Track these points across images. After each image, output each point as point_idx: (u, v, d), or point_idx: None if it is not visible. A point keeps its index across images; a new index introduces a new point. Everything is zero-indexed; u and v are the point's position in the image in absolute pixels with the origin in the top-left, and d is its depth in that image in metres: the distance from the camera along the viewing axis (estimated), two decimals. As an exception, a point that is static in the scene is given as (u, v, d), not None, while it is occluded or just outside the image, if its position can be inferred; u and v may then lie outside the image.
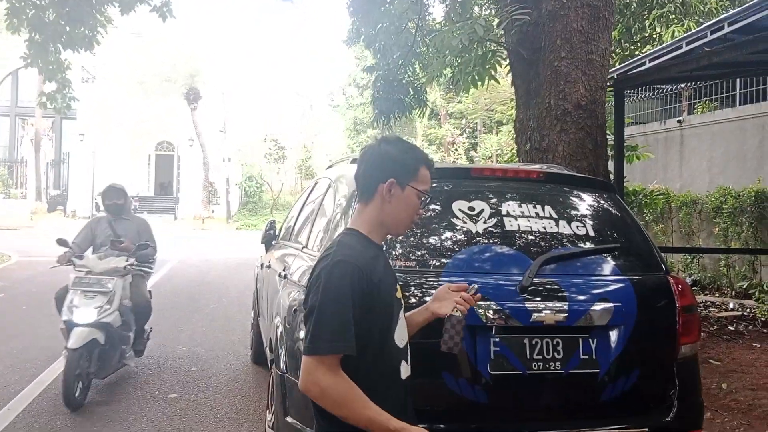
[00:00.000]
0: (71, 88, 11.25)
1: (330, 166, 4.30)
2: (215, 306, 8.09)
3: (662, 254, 2.81)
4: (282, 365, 2.72)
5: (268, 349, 3.48)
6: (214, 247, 17.57)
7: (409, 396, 1.66)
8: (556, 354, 2.34)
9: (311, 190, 4.07)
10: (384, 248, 1.71)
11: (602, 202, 2.89)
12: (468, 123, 29.44)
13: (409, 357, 1.68)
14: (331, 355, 1.45)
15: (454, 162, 25.27)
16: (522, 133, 5.65)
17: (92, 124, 28.61)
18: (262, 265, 4.82)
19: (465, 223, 2.53)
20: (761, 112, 8.72)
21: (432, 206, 2.60)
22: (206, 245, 18.26)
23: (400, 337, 1.64)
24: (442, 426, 2.24)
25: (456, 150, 28.83)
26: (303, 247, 3.29)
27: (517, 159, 6.21)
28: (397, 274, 2.32)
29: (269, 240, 4.76)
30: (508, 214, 2.60)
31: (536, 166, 3.23)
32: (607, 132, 6.02)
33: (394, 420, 1.45)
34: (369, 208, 1.65)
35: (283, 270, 3.37)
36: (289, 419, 2.49)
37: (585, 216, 2.76)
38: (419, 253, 2.47)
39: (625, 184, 7.48)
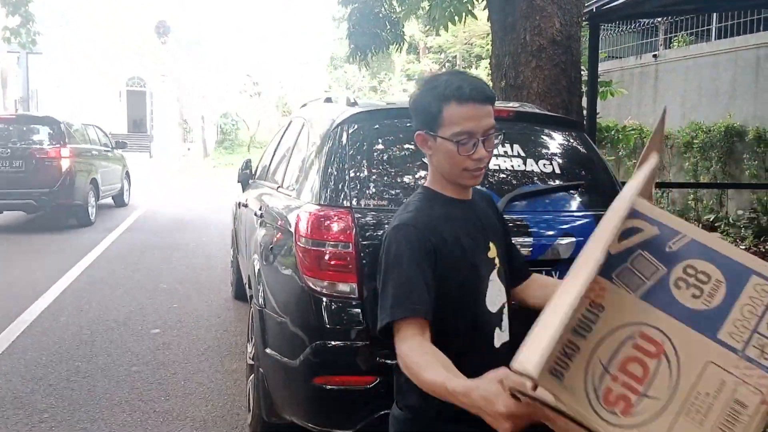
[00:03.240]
0: (35, 22, 10.83)
1: (304, 105, 4.30)
2: (195, 244, 8.16)
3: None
4: (260, 300, 2.82)
5: (247, 286, 3.58)
6: (192, 186, 17.47)
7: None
8: (520, 286, 2.46)
9: (286, 130, 4.08)
10: (472, 201, 1.49)
11: (570, 140, 2.97)
12: (447, 57, 29.00)
13: (505, 323, 1.47)
14: (397, 321, 1.30)
15: (432, 98, 24.94)
16: (497, 70, 5.64)
17: (60, 59, 27.62)
18: (239, 203, 4.87)
19: (436, 161, 2.60)
20: (735, 47, 8.76)
21: (405, 145, 2.66)
22: (183, 184, 18.14)
23: (493, 301, 1.44)
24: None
25: (435, 85, 28.46)
26: (278, 187, 3.34)
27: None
28: (371, 213, 2.44)
29: (245, 179, 4.79)
30: (477, 153, 2.67)
31: (507, 105, 3.28)
32: (582, 68, 6.04)
33: (452, 380, 1.15)
34: (429, 167, 1.48)
35: (260, 209, 3.43)
36: (268, 350, 2.62)
37: (553, 154, 2.84)
38: (392, 192, 2.54)
39: (598, 120, 7.56)
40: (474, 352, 1.38)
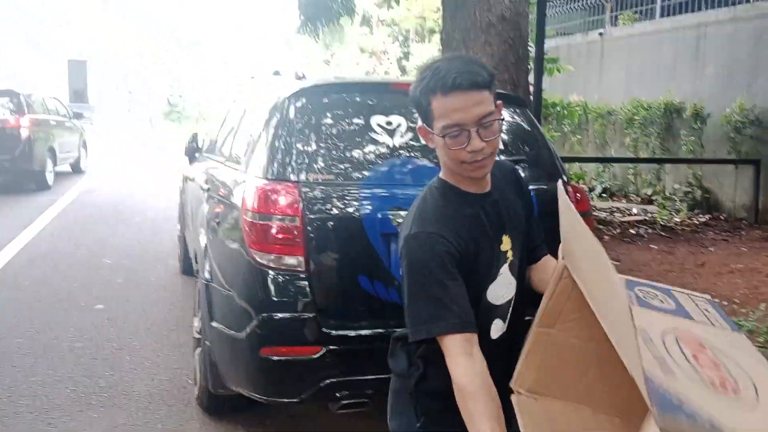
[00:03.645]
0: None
1: (253, 79, 4.24)
2: (141, 219, 7.98)
3: (576, 164, 3.03)
4: (206, 274, 2.82)
5: (194, 260, 3.56)
6: (137, 158, 16.97)
7: (500, 359, 1.40)
8: (462, 258, 2.54)
9: (234, 103, 4.03)
10: (489, 193, 1.43)
11: (514, 116, 3.04)
12: (400, 31, 28.78)
13: (509, 315, 1.46)
14: (444, 335, 1.28)
15: (386, 72, 24.88)
16: (448, 45, 5.67)
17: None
18: (185, 178, 4.80)
19: (382, 136, 2.63)
20: (677, 25, 9.04)
21: (353, 120, 2.68)
22: (128, 155, 17.59)
23: (497, 294, 1.42)
24: (359, 324, 2.43)
25: (388, 59, 28.32)
26: (226, 160, 3.32)
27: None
28: (319, 187, 2.46)
29: (192, 152, 4.70)
30: (423, 128, 2.71)
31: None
32: (530, 44, 6.14)
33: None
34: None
35: (206, 183, 3.40)
36: (214, 324, 2.63)
37: (496, 129, 2.91)
38: (340, 167, 2.56)
39: (544, 96, 7.72)
40: None
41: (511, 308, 1.47)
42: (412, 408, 1.49)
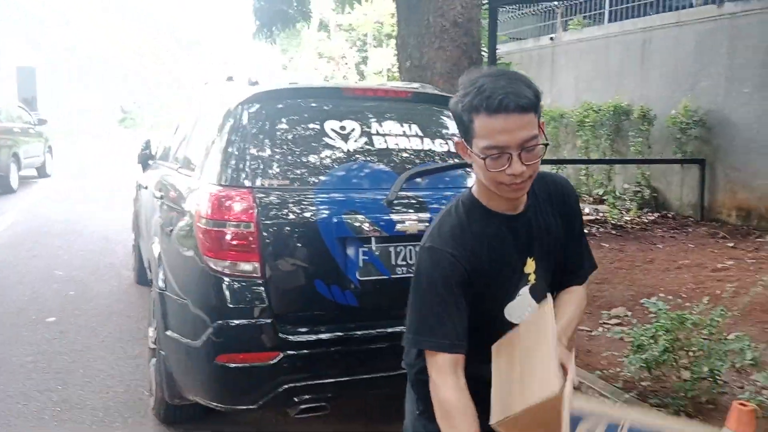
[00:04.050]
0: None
1: (206, 84, 4.21)
2: (94, 229, 7.79)
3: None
4: (161, 283, 2.79)
5: (148, 269, 3.51)
6: (91, 166, 16.52)
7: None
8: (418, 260, 2.59)
9: (187, 109, 3.99)
10: (521, 214, 1.40)
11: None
12: (358, 36, 28.84)
13: None
14: (430, 351, 1.31)
15: (345, 77, 24.88)
16: (403, 50, 5.74)
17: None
18: (139, 185, 4.72)
19: (337, 142, 2.66)
20: (624, 30, 9.34)
21: (307, 125, 2.70)
22: (81, 164, 17.11)
23: (515, 313, 1.42)
24: (316, 329, 2.45)
25: (347, 64, 28.32)
26: (179, 167, 3.28)
27: (396, 76, 6.33)
28: (274, 192, 2.46)
29: (145, 160, 4.64)
30: (377, 133, 2.75)
31: (406, 86, 3.38)
32: (484, 49, 6.26)
33: None
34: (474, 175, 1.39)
35: (159, 191, 3.36)
36: (169, 333, 2.60)
37: (448, 134, 2.96)
38: (295, 172, 2.57)
39: (499, 100, 7.85)
40: (477, 352, 1.36)
41: None
42: (414, 395, 1.56)
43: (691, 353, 2.88)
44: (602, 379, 3.20)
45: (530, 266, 1.42)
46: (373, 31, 26.60)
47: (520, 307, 1.43)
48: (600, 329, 3.59)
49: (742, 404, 1.95)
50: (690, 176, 8.17)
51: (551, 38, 10.78)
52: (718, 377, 2.88)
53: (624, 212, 8.22)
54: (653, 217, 8.14)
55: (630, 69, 9.14)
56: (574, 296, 1.52)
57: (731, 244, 6.55)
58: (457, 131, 1.35)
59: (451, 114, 1.35)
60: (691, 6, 8.65)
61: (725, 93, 7.73)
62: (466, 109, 1.25)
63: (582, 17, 10.84)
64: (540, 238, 1.43)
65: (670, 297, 3.67)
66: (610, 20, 10.19)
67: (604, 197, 9.01)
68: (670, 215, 8.28)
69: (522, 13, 12.45)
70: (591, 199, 9.35)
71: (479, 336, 1.36)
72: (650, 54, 8.82)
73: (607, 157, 9.18)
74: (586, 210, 8.46)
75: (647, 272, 5.36)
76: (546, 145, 1.30)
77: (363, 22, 25.76)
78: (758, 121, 7.34)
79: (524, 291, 1.43)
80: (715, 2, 7.95)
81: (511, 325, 1.44)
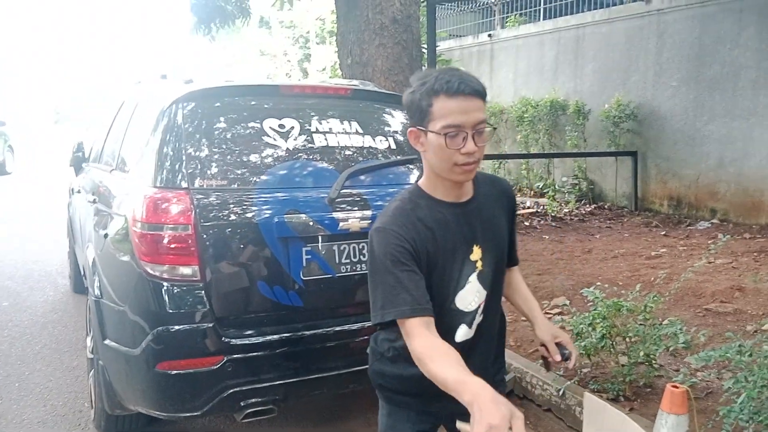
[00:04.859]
0: None
1: (139, 83, 4.08)
2: (25, 235, 7.43)
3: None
4: (96, 290, 2.69)
5: (84, 277, 3.37)
6: (18, 169, 15.75)
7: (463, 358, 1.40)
8: (362, 257, 2.59)
9: (120, 109, 3.85)
10: (466, 203, 1.49)
11: (405, 117, 3.12)
12: (300, 33, 28.54)
13: (476, 321, 1.53)
14: (398, 320, 1.37)
15: (288, 74, 24.60)
16: (343, 47, 5.73)
17: None
18: (72, 190, 4.53)
19: (276, 140, 2.62)
20: (558, 27, 9.60)
21: (246, 124, 2.65)
22: (6, 165, 16.27)
23: (466, 301, 1.49)
24: (260, 331, 2.41)
25: (289, 61, 28.00)
26: (112, 170, 3.17)
27: (339, 73, 6.31)
28: (213, 193, 2.40)
29: (78, 162, 4.46)
30: (317, 131, 2.73)
31: (345, 83, 3.36)
32: (424, 46, 6.31)
33: (470, 375, 1.24)
34: (423, 165, 1.48)
35: (93, 195, 3.23)
36: (107, 342, 2.51)
37: (388, 130, 2.98)
38: (234, 172, 2.52)
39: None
40: None
41: (479, 315, 1.53)
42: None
43: (627, 339, 2.99)
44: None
45: (476, 253, 1.49)
46: (315, 28, 26.41)
47: (470, 293, 1.49)
48: (542, 319, 3.69)
49: (674, 386, 2.04)
50: (624, 168, 8.49)
51: (489, 35, 10.98)
52: (653, 361, 3.00)
53: (563, 204, 8.47)
54: (590, 209, 8.42)
55: (565, 65, 9.42)
56: (520, 277, 1.78)
57: (663, 233, 6.85)
58: (407, 122, 1.42)
59: (404, 106, 1.43)
60: (621, 3, 8.98)
61: (654, 87, 8.07)
62: (426, 93, 1.36)
63: (518, 14, 11.08)
64: (485, 227, 1.51)
65: (607, 285, 3.80)
66: (545, 17, 10.47)
67: (544, 190, 9.26)
68: (606, 206, 8.58)
69: (461, 11, 12.63)
70: (532, 192, 9.59)
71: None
72: (583, 50, 9.11)
73: (545, 152, 9.44)
74: (528, 203, 8.68)
75: (586, 262, 5.53)
76: (494, 128, 1.43)
77: (304, 18, 25.53)
78: (685, 112, 7.70)
79: (473, 278, 1.49)
80: (643, -1, 8.28)
81: (461, 315, 1.50)
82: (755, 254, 5.59)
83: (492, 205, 1.55)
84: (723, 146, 7.32)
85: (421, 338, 1.33)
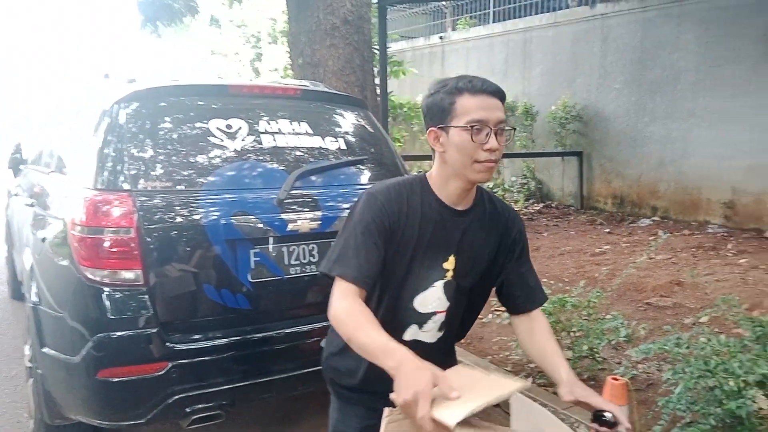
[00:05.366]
0: None
1: (82, 81, 3.94)
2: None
3: (428, 162, 3.17)
4: (34, 296, 2.58)
5: (22, 282, 3.24)
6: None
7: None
8: (311, 258, 2.58)
9: (60, 109, 3.72)
10: (462, 212, 1.49)
11: (356, 118, 3.12)
12: (252, 32, 28.14)
13: (429, 326, 1.54)
14: (338, 277, 1.38)
15: (239, 74, 24.22)
16: (295, 47, 5.69)
17: None
18: (9, 192, 4.35)
19: (223, 141, 2.58)
20: (507, 30, 9.79)
21: (192, 124, 2.59)
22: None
23: (425, 302, 1.50)
24: (207, 335, 2.37)
25: (240, 61, 27.55)
26: (51, 172, 3.06)
27: (291, 73, 6.26)
28: (158, 195, 2.35)
29: (16, 164, 4.28)
30: (265, 131, 2.70)
31: (294, 83, 3.34)
32: (375, 47, 6.32)
33: (393, 342, 1.24)
34: (435, 163, 1.48)
35: (31, 197, 3.11)
36: (45, 350, 2.42)
37: (339, 131, 2.97)
38: (179, 173, 2.46)
39: (392, 97, 8.00)
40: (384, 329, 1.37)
41: (433, 321, 1.54)
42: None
43: (572, 334, 3.07)
44: (493, 363, 3.34)
45: (450, 263, 1.50)
46: (267, 27, 26.08)
47: (431, 298, 1.51)
48: (490, 316, 3.75)
49: (615, 379, 2.10)
50: (570, 168, 8.72)
51: (440, 37, 11.10)
52: (597, 354, 3.09)
53: (513, 203, 8.64)
54: (539, 207, 8.62)
55: (514, 67, 9.61)
56: (546, 327, 1.60)
57: (608, 230, 7.07)
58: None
59: (423, 108, 1.46)
60: (567, 7, 9.22)
61: (598, 89, 8.32)
62: (448, 92, 1.40)
63: (469, 17, 11.24)
64: (467, 241, 1.50)
65: (553, 282, 3.90)
66: (494, 20, 10.65)
67: (494, 190, 9.41)
68: (553, 205, 8.80)
69: (413, 13, 12.72)
70: (483, 191, 9.73)
71: (384, 321, 1.38)
72: (531, 53, 9.31)
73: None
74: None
75: (534, 260, 5.54)
76: (514, 129, 1.47)
77: (256, 18, 25.19)
78: (627, 114, 7.97)
79: (438, 284, 1.50)
80: (588, 4, 8.52)
81: (416, 315, 1.51)
82: (693, 250, 5.83)
83: (486, 225, 1.53)
84: (663, 146, 7.60)
85: (349, 300, 1.34)
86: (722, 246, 5.96)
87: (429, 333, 1.55)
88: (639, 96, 7.80)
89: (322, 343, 1.70)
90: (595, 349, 3.05)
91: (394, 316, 1.46)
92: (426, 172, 1.52)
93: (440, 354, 1.56)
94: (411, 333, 1.53)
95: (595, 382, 3.07)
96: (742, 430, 2.03)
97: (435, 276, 1.49)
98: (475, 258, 1.53)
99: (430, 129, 1.44)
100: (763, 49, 6.52)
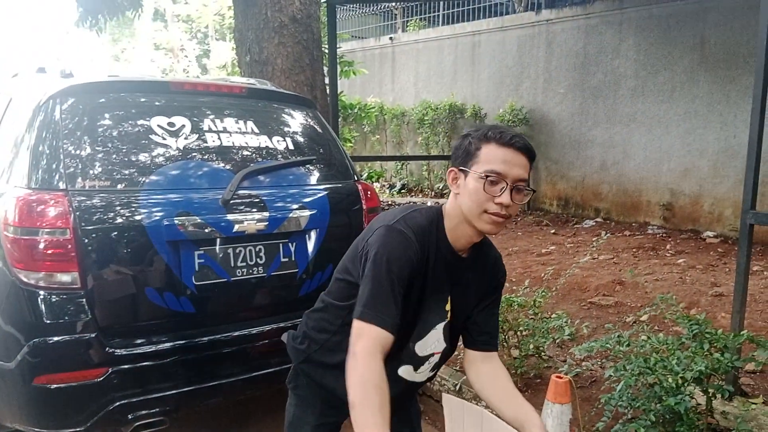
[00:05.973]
0: None
1: (15, 76, 3.76)
2: None
3: (378, 162, 3.16)
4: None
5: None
6: None
7: (396, 393, 1.36)
8: (258, 260, 2.53)
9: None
10: (467, 259, 1.50)
11: (304, 117, 3.09)
12: (197, 27, 27.57)
13: (424, 368, 1.53)
14: (376, 327, 1.30)
15: (185, 70, 23.71)
16: (241, 44, 5.59)
17: None
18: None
19: (165, 139, 2.50)
20: (456, 33, 9.90)
21: (133, 121, 2.51)
22: None
23: (425, 345, 1.50)
24: (149, 339, 2.29)
25: (186, 57, 26.95)
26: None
27: (239, 70, 6.15)
28: (96, 194, 2.26)
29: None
30: (210, 130, 2.63)
31: (240, 81, 3.28)
32: (325, 47, 6.28)
33: (369, 424, 1.19)
34: (449, 201, 1.47)
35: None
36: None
37: (286, 131, 2.93)
38: (119, 172, 2.38)
39: (342, 97, 7.97)
40: None
41: (428, 363, 1.53)
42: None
43: (518, 333, 3.13)
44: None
45: (449, 304, 1.51)
46: (214, 23, 25.60)
47: (432, 341, 1.50)
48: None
49: (558, 377, 2.15)
50: (518, 169, 8.89)
51: (391, 38, 11.13)
52: (543, 353, 3.16)
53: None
54: (488, 208, 8.75)
55: (463, 69, 9.73)
56: (506, 375, 1.57)
57: (553, 231, 7.25)
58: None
59: (453, 148, 1.46)
60: (514, 12, 9.40)
61: (544, 93, 8.52)
62: (477, 137, 1.39)
63: (419, 19, 11.32)
64: (465, 282, 1.51)
65: (501, 282, 3.95)
66: (444, 23, 10.76)
67: (445, 191, 9.51)
68: (502, 206, 8.94)
69: (364, 13, 12.72)
70: (432, 193, 9.83)
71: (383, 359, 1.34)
72: (480, 56, 9.46)
73: (445, 153, 9.70)
74: (429, 203, 8.88)
75: (483, 260, 5.73)
76: (533, 191, 1.46)
77: (203, 13, 24.69)
78: (571, 118, 8.19)
79: (439, 327, 1.50)
80: (533, 9, 8.71)
81: (414, 357, 1.50)
82: (634, 250, 6.04)
83: (480, 266, 1.54)
84: (605, 150, 7.85)
85: (378, 363, 1.27)
86: (661, 246, 6.19)
87: (422, 374, 1.55)
88: (582, 100, 8.03)
89: (283, 338, 1.67)
90: (540, 348, 3.11)
91: (395, 356, 1.43)
92: (443, 205, 1.50)
93: (418, 387, 1.61)
94: (404, 372, 1.52)
95: (541, 380, 3.13)
96: (681, 425, 2.10)
97: (437, 319, 1.49)
98: (464, 300, 1.53)
99: (451, 168, 1.45)
100: (696, 56, 6.82)
